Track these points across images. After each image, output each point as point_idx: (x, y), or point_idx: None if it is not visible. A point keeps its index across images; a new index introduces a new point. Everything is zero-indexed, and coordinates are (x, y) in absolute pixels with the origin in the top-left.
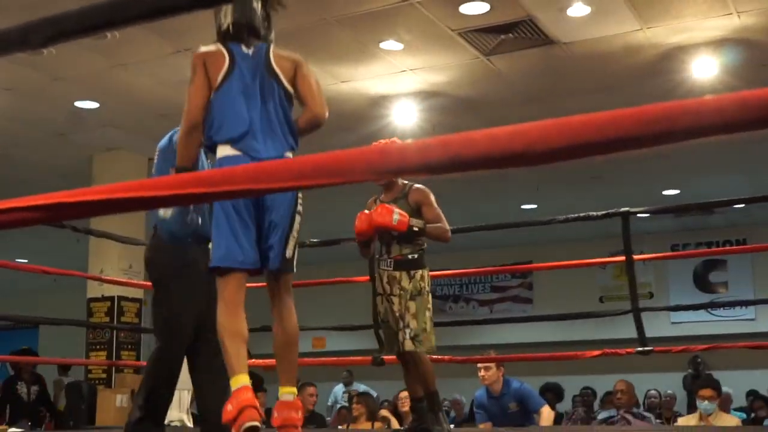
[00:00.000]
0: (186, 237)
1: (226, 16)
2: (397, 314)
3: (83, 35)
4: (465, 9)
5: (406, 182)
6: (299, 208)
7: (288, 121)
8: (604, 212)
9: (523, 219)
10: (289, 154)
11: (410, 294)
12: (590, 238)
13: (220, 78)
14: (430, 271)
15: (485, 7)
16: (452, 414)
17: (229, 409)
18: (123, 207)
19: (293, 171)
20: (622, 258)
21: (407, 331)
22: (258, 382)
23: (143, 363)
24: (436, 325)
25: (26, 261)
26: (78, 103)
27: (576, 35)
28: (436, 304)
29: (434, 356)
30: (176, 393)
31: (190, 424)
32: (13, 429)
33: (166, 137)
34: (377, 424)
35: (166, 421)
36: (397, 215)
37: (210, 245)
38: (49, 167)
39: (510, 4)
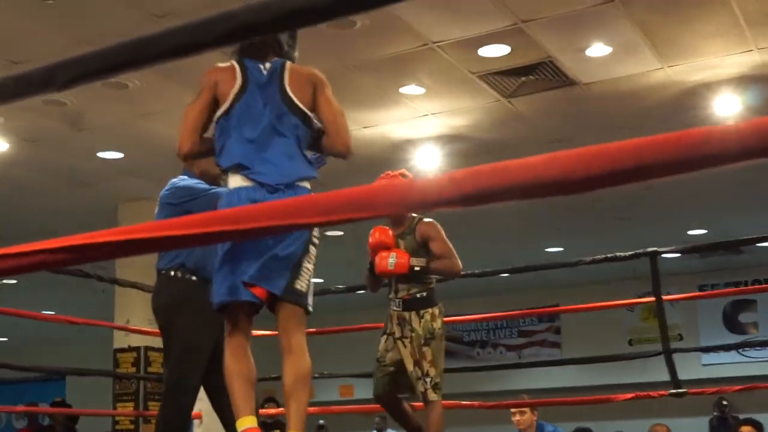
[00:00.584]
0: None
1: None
2: (412, 360)
3: (105, 76)
4: (484, 52)
5: (415, 216)
6: (314, 239)
7: (302, 149)
8: (632, 252)
9: (548, 262)
10: (306, 184)
11: (423, 338)
12: (617, 280)
13: (230, 99)
14: (455, 315)
15: (505, 50)
16: None
17: None
18: (146, 247)
19: (319, 206)
20: (652, 299)
21: (428, 380)
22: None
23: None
24: (463, 371)
25: (52, 312)
26: (101, 154)
27: (596, 75)
28: (463, 350)
29: (464, 402)
30: None
31: None
32: None
33: (168, 185)
34: None
35: None
36: (393, 259)
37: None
38: (73, 217)
39: (530, 46)
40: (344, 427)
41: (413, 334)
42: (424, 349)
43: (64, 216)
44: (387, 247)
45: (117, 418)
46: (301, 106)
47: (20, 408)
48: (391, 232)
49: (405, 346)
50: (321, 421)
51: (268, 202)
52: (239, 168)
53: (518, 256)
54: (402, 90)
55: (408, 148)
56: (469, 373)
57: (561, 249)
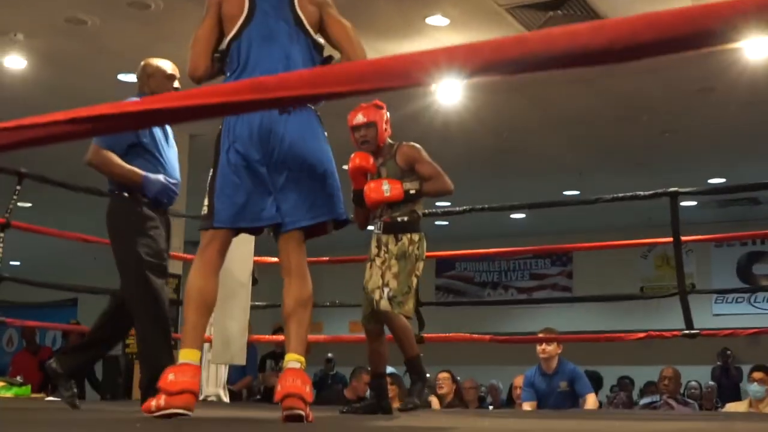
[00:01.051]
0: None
1: None
2: (379, 275)
3: None
4: None
5: (393, 143)
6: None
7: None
8: (652, 192)
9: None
10: (312, 106)
11: (395, 257)
12: (633, 228)
13: (239, 23)
14: (466, 250)
15: None
16: (488, 399)
17: (171, 378)
18: (166, 118)
19: (353, 74)
20: (669, 239)
21: (385, 290)
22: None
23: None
24: (474, 305)
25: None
26: (121, 77)
27: (624, 10)
28: (474, 291)
29: (476, 335)
30: (213, 367)
31: (226, 399)
32: (51, 398)
33: None
34: None
35: (201, 396)
36: (387, 186)
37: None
38: (90, 142)
39: None
40: (354, 362)
41: (386, 255)
42: (392, 262)
43: (82, 141)
44: (367, 172)
45: (127, 341)
46: (311, 31)
47: (31, 323)
48: (372, 159)
49: (375, 266)
50: (329, 354)
51: (300, 71)
52: None
53: (536, 198)
54: (427, 20)
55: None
56: (478, 314)
57: (578, 193)
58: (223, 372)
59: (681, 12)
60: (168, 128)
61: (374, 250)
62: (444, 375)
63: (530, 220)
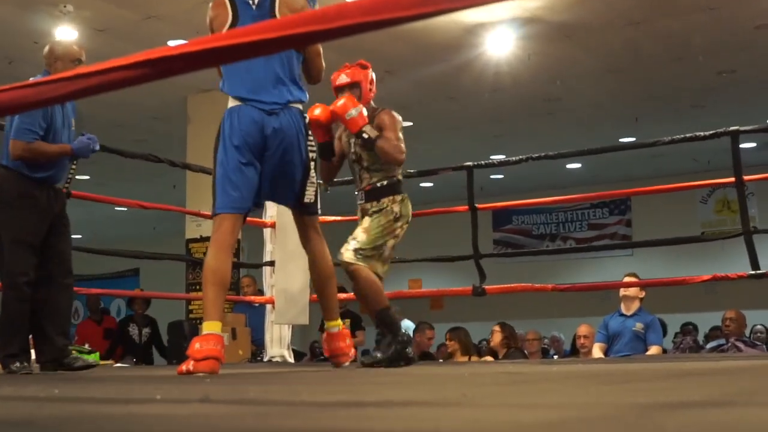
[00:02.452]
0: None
1: None
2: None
3: None
4: None
5: (376, 106)
6: (311, 155)
7: (293, 75)
8: (712, 132)
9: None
10: (298, 106)
11: (370, 212)
12: (691, 173)
13: (225, 29)
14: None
15: None
16: (551, 351)
17: (197, 347)
18: (226, 56)
19: None
20: (731, 179)
21: (352, 242)
22: (357, 321)
23: (246, 298)
24: (532, 254)
25: (125, 209)
26: (170, 42)
27: None
28: (533, 243)
29: (538, 285)
30: (277, 328)
31: (291, 359)
32: (119, 364)
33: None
34: (474, 359)
35: (266, 358)
36: (354, 112)
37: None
38: (143, 109)
39: None
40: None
41: (364, 217)
42: (365, 219)
43: (133, 108)
44: (323, 126)
45: (190, 306)
46: None
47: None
48: (329, 114)
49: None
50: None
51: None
52: (237, 98)
53: (593, 145)
54: None
55: (480, 32)
56: (537, 267)
57: (634, 139)
58: (288, 333)
59: None
60: (68, 110)
61: (359, 222)
62: (495, 327)
63: (586, 169)
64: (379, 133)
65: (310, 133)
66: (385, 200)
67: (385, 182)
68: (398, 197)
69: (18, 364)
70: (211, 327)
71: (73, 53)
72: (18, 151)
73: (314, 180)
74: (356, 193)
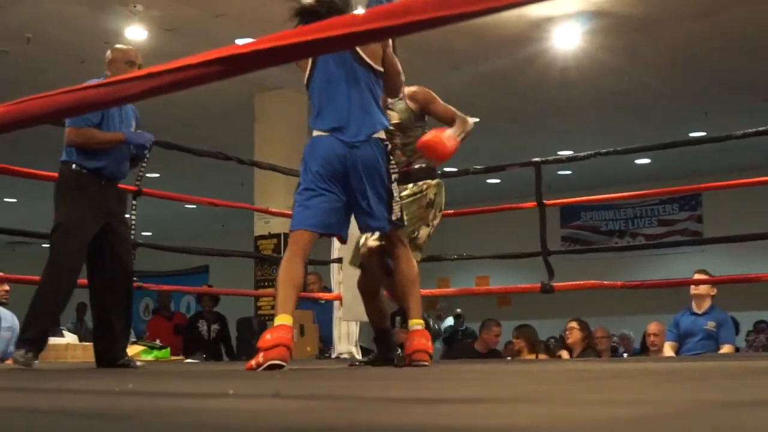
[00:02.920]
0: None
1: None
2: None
3: None
4: None
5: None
6: (393, 177)
7: (377, 101)
8: None
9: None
10: (381, 134)
11: (412, 195)
12: (764, 167)
13: (308, 67)
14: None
15: None
16: (621, 349)
17: (267, 338)
18: (294, 53)
19: None
20: None
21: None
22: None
23: (313, 294)
24: (600, 251)
25: (193, 206)
26: (238, 41)
27: None
28: (601, 240)
29: (607, 282)
30: (345, 325)
31: (359, 356)
32: (189, 360)
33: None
34: (541, 356)
35: (335, 355)
36: (454, 142)
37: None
38: (211, 108)
39: None
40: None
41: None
42: (410, 200)
43: (202, 108)
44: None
45: (259, 303)
46: (371, 63)
47: (166, 287)
48: None
49: None
50: (458, 310)
51: None
52: (324, 131)
53: (662, 140)
54: None
55: (546, 26)
56: (605, 264)
57: (704, 134)
58: (356, 330)
59: None
60: (129, 112)
61: None
62: (572, 324)
63: (656, 164)
64: (458, 128)
65: (391, 158)
66: (422, 184)
67: (423, 164)
68: (434, 182)
69: (23, 352)
70: (281, 319)
71: (127, 55)
72: (71, 136)
73: (398, 198)
74: None
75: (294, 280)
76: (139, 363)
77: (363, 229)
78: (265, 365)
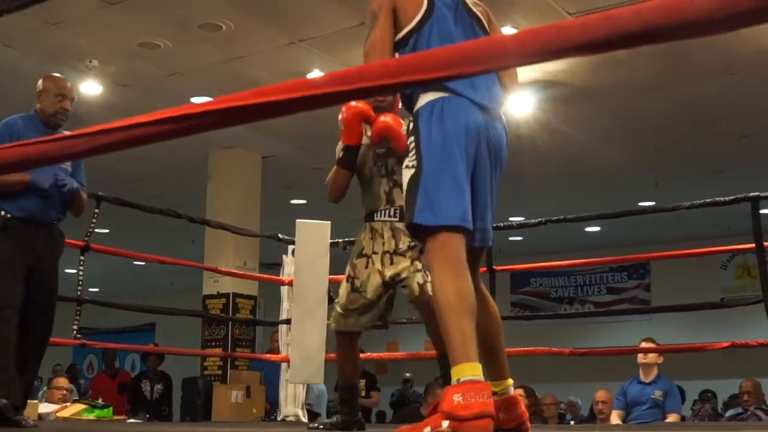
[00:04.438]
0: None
1: None
2: (407, 262)
3: None
4: None
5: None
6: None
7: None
8: (732, 197)
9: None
10: (503, 116)
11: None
12: (711, 239)
13: (417, 18)
14: (544, 269)
15: None
16: (568, 416)
17: (459, 401)
18: (249, 114)
19: (438, 60)
20: (752, 245)
21: (417, 274)
22: (373, 382)
23: (261, 356)
24: (549, 318)
25: (142, 263)
26: (194, 99)
27: None
28: (550, 306)
29: (555, 349)
30: (292, 387)
31: (305, 419)
32: (132, 420)
33: None
34: None
35: (280, 417)
36: (404, 129)
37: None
38: (164, 164)
39: None
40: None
41: (408, 246)
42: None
43: (155, 164)
44: (369, 122)
45: (205, 363)
46: (487, 30)
47: (111, 345)
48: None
49: (394, 262)
50: (407, 374)
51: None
52: (445, 89)
53: (612, 208)
54: None
55: None
56: (554, 330)
57: (654, 203)
58: (302, 392)
59: None
60: None
61: (384, 243)
62: (518, 391)
63: (605, 232)
64: None
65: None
66: None
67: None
68: None
69: (4, 401)
70: (472, 370)
71: (59, 87)
72: None
73: None
74: (381, 210)
75: (472, 306)
76: (32, 422)
77: (480, 239)
78: None
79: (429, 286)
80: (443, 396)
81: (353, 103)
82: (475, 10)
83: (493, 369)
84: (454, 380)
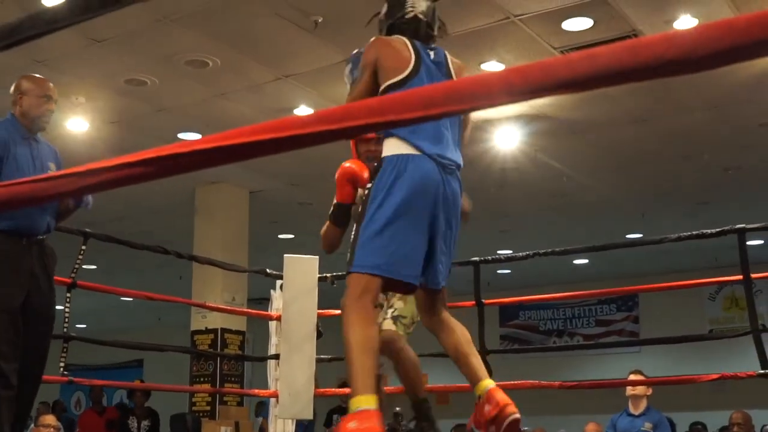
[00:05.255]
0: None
1: (414, 6)
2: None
3: None
4: (567, 25)
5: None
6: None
7: (461, 135)
8: (719, 229)
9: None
10: (458, 173)
11: None
12: (699, 270)
13: (406, 73)
14: (532, 303)
15: (588, 23)
16: None
17: (352, 426)
18: (245, 152)
19: (421, 99)
20: (739, 276)
21: (389, 310)
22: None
23: (250, 391)
24: (539, 351)
25: (130, 299)
26: (181, 135)
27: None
28: (540, 339)
29: (545, 382)
30: (280, 422)
31: None
32: None
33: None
34: None
35: None
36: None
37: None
38: (151, 200)
39: (614, 19)
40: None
41: None
42: None
43: (142, 199)
44: (358, 185)
45: (194, 399)
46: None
47: (98, 382)
48: (367, 174)
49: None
50: (397, 408)
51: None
52: (420, 149)
53: (600, 241)
54: (482, 66)
55: (487, 127)
56: (543, 363)
57: (641, 235)
58: (291, 427)
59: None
60: (45, 152)
61: None
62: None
63: (593, 265)
64: None
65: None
66: None
67: None
68: None
69: None
70: (365, 402)
71: (43, 88)
72: None
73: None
74: None
75: (374, 346)
76: None
77: (431, 282)
78: None
79: (387, 323)
80: (341, 423)
81: (347, 163)
82: (452, 67)
83: (470, 376)
84: (353, 408)
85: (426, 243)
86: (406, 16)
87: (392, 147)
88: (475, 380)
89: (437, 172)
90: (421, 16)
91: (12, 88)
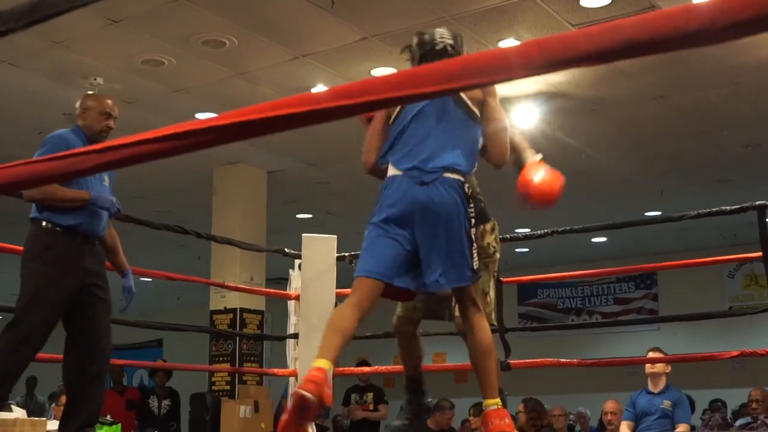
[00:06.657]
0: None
1: (444, 38)
2: None
3: None
4: (586, 2)
5: None
6: (472, 221)
7: (470, 143)
8: (738, 206)
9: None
10: (456, 176)
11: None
12: (717, 248)
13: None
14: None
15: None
16: (577, 428)
17: (305, 376)
18: (252, 130)
19: (441, 73)
20: (759, 253)
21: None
22: (380, 395)
23: (269, 370)
24: (558, 329)
25: (149, 279)
26: (198, 115)
27: None
28: (558, 317)
29: (563, 360)
30: None
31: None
32: None
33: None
34: None
35: None
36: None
37: None
38: (170, 180)
39: None
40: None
41: None
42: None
43: (160, 180)
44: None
45: (213, 378)
46: (467, 100)
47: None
48: None
49: None
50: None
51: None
52: (394, 167)
53: (618, 219)
54: (500, 44)
55: (505, 105)
56: (562, 342)
57: (660, 213)
58: None
59: None
60: None
61: None
62: (519, 408)
63: (612, 243)
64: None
65: (470, 203)
66: (478, 232)
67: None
68: (488, 226)
69: None
70: (318, 363)
71: (102, 105)
72: (30, 191)
73: (475, 249)
74: None
75: (341, 327)
76: None
77: (430, 286)
78: (299, 392)
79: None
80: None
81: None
82: (463, 94)
83: (481, 389)
84: (314, 365)
85: (408, 252)
86: (436, 48)
87: (388, 170)
88: (483, 395)
89: (412, 187)
90: (449, 49)
91: (77, 104)
